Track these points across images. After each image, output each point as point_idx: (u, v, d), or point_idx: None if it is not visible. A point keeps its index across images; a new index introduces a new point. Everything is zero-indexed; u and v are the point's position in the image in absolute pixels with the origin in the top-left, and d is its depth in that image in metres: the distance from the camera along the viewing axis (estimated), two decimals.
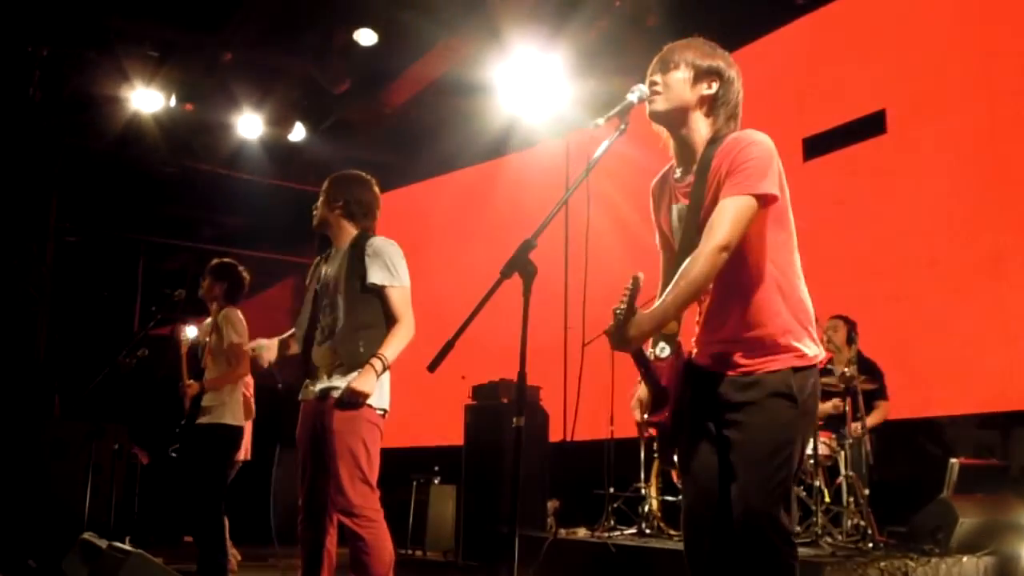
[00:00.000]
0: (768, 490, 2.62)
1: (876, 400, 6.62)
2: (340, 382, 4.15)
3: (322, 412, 4.20)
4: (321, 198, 4.44)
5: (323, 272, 4.44)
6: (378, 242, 4.31)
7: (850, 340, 6.64)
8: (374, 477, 4.18)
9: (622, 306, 2.50)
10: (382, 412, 4.25)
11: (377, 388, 4.15)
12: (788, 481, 2.68)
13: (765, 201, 2.66)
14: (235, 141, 10.74)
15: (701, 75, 2.82)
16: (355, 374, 4.11)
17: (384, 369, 4.14)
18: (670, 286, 2.63)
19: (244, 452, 6.75)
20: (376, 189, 4.56)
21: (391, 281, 4.23)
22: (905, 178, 7.19)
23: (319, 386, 4.26)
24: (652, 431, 2.93)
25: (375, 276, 4.21)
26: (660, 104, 2.82)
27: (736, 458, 2.68)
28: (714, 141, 2.80)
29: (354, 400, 4.08)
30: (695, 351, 2.90)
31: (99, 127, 10.35)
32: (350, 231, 4.41)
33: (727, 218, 2.61)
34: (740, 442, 2.68)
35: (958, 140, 6.91)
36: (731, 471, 2.69)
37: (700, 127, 2.84)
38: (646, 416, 2.85)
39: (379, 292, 4.22)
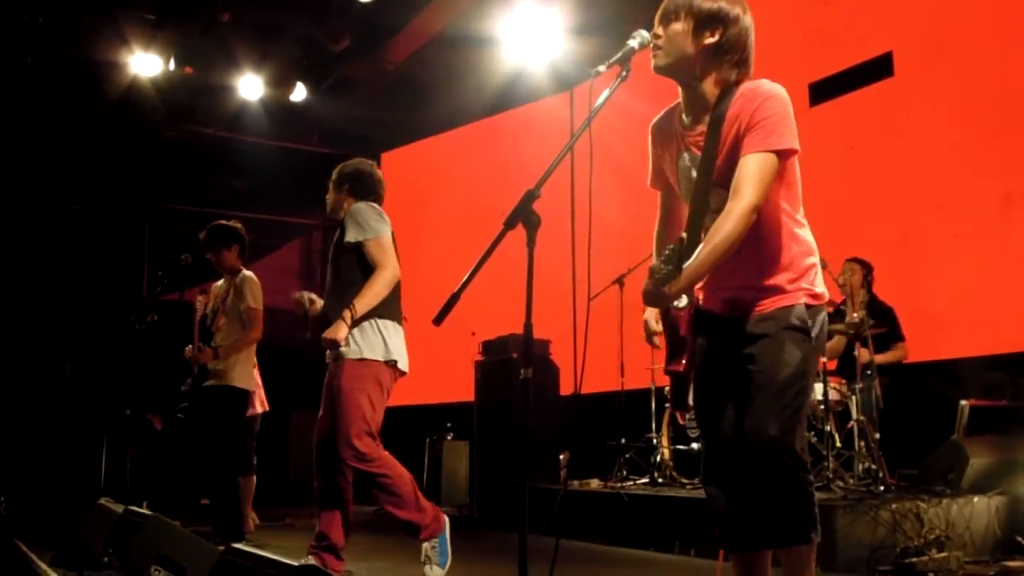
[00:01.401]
0: (784, 420, 2.64)
1: (892, 342, 6.62)
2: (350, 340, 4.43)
3: (331, 370, 4.54)
4: (331, 187, 4.80)
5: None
6: (354, 207, 4.60)
7: (866, 284, 6.64)
8: (376, 427, 4.46)
9: (664, 268, 2.46)
10: (389, 363, 4.49)
11: (377, 341, 4.45)
12: (802, 412, 2.70)
13: (787, 155, 2.68)
14: (236, 103, 10.65)
15: (703, 23, 2.74)
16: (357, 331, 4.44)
17: (352, 318, 4.37)
18: (704, 244, 2.63)
19: (261, 404, 6.79)
20: (378, 171, 4.90)
21: (363, 235, 4.48)
22: (913, 121, 7.13)
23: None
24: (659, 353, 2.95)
25: (349, 235, 4.49)
26: (661, 59, 2.78)
27: (752, 391, 2.69)
28: (727, 92, 2.76)
29: (327, 347, 4.42)
30: (703, 297, 2.91)
31: (99, 93, 10.29)
32: (344, 208, 4.72)
33: (755, 177, 2.62)
34: (756, 373, 2.70)
35: (966, 82, 6.83)
36: (747, 404, 2.70)
37: (709, 77, 2.79)
38: (665, 366, 2.86)
39: (356, 249, 4.50)
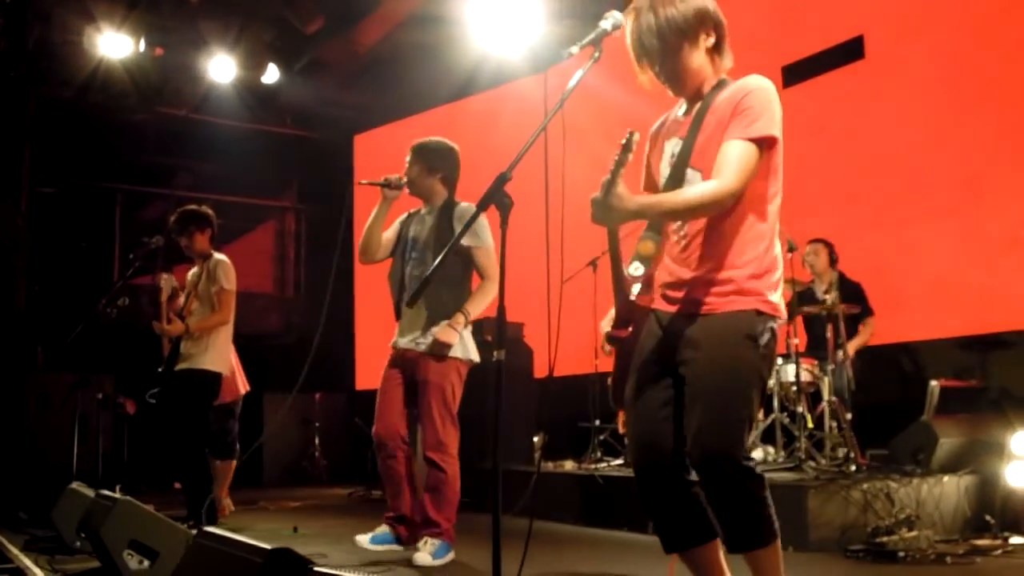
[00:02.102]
0: (726, 432, 2.58)
1: (861, 321, 6.67)
2: (431, 333, 4.63)
3: (415, 361, 4.68)
4: (418, 164, 4.81)
5: (413, 228, 4.86)
6: (464, 207, 4.72)
7: (831, 263, 6.69)
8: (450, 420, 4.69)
9: (613, 166, 2.48)
10: (468, 362, 4.74)
11: (470, 344, 4.71)
12: (746, 423, 2.63)
13: (769, 144, 2.66)
14: (207, 85, 10.55)
15: (694, 31, 2.73)
16: (442, 324, 4.60)
17: (467, 323, 4.63)
18: (671, 193, 2.64)
19: (244, 385, 6.76)
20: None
21: (476, 243, 4.63)
22: (883, 104, 7.17)
23: (409, 335, 4.71)
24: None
25: (466, 239, 4.52)
26: (676, 90, 2.81)
27: (695, 398, 2.63)
28: (719, 85, 2.77)
29: (439, 350, 4.57)
30: (659, 294, 2.84)
31: (67, 75, 10.15)
32: (442, 196, 4.83)
33: (736, 164, 2.60)
34: (699, 382, 2.64)
35: (936, 65, 6.87)
36: (687, 410, 2.65)
37: (705, 73, 2.79)
38: (609, 329, 2.83)
39: (466, 252, 4.64)
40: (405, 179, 4.76)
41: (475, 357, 4.78)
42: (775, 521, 2.65)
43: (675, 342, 2.72)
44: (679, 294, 2.76)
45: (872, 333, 6.72)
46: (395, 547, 4.69)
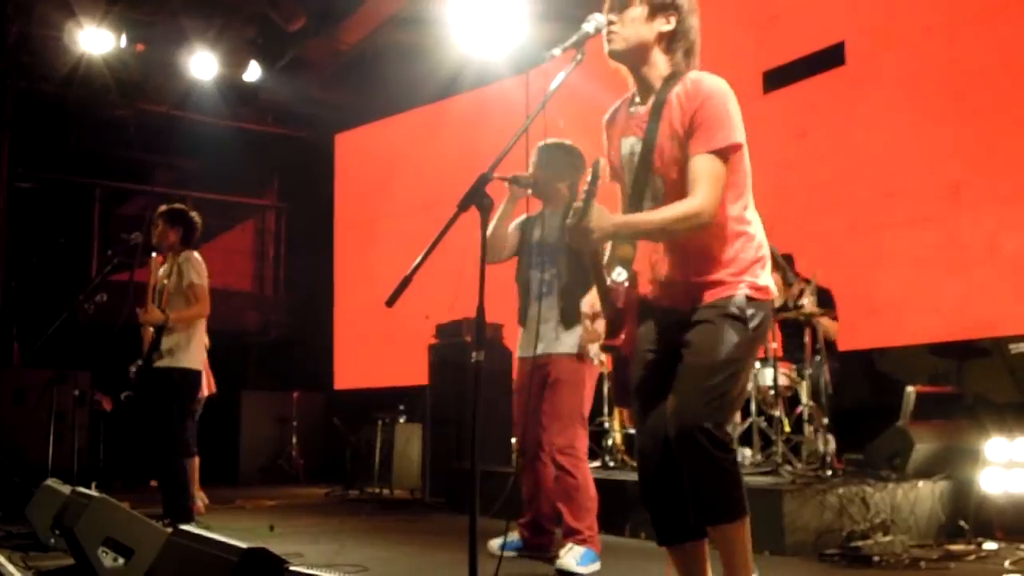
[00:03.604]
0: (704, 402, 2.62)
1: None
2: (564, 335, 4.55)
3: (547, 363, 4.58)
4: (550, 169, 4.63)
5: (537, 231, 4.73)
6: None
7: (788, 283, 6.61)
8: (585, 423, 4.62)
9: (582, 195, 2.52)
10: (599, 363, 4.66)
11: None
12: (728, 398, 2.68)
13: (734, 150, 2.69)
14: (188, 82, 10.50)
15: (657, 9, 2.78)
16: (579, 327, 4.52)
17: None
18: (649, 213, 2.68)
19: (208, 387, 6.73)
20: None
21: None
22: (864, 110, 7.21)
23: (544, 337, 4.58)
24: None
25: None
26: (618, 43, 2.80)
27: (679, 373, 2.69)
28: (672, 77, 2.79)
29: (584, 353, 4.50)
30: (650, 291, 2.91)
31: (47, 69, 10.08)
32: (565, 198, 4.65)
33: (707, 180, 2.64)
34: (685, 356, 2.70)
35: (917, 72, 6.91)
36: (673, 387, 2.70)
37: (659, 64, 2.82)
38: (602, 341, 2.85)
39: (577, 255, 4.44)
40: (533, 180, 4.59)
41: (603, 358, 4.70)
42: (745, 500, 2.68)
43: (672, 334, 2.77)
44: (670, 292, 2.83)
45: (829, 333, 6.65)
46: (514, 553, 4.70)
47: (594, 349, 4.55)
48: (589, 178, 2.54)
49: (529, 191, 4.55)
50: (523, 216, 4.82)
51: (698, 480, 2.64)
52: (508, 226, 4.62)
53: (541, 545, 4.81)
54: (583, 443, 4.58)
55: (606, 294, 2.78)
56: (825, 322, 6.58)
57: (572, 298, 4.56)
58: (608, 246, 2.78)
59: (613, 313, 2.80)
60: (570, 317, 4.56)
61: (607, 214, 2.58)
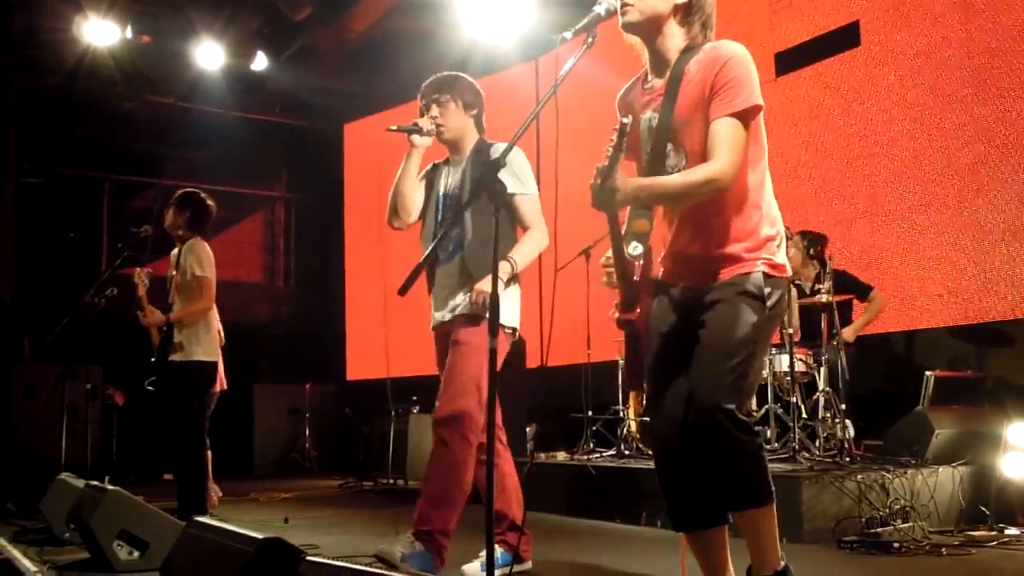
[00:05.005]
0: (725, 384, 2.59)
1: (863, 299, 6.60)
2: (468, 296, 3.94)
3: (451, 329, 4.00)
4: (452, 101, 4.07)
5: (442, 182, 4.17)
6: (501, 146, 3.82)
7: (810, 256, 6.59)
8: (484, 395, 3.83)
9: (606, 154, 2.50)
10: (510, 331, 4.01)
11: (506, 303, 3.70)
12: (748, 378, 2.66)
13: (754, 113, 2.67)
14: (195, 72, 10.46)
15: None
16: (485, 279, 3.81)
17: (513, 274, 3.91)
18: (670, 176, 2.66)
19: (220, 383, 6.70)
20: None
21: (521, 189, 3.98)
22: (879, 91, 7.12)
23: (449, 304, 4.02)
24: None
25: (507, 183, 3.90)
26: (633, 15, 2.77)
27: (697, 353, 2.66)
28: (688, 49, 2.76)
29: (477, 307, 3.85)
30: (664, 268, 2.88)
31: (52, 62, 10.06)
32: (473, 138, 4.14)
33: (728, 143, 2.61)
34: (703, 336, 2.67)
35: (932, 51, 6.82)
36: (692, 367, 2.67)
37: (675, 36, 2.80)
38: (618, 315, 2.80)
39: (508, 201, 3.96)
40: (436, 123, 4.04)
41: (516, 325, 4.05)
42: (771, 484, 2.65)
43: (688, 313, 2.75)
44: (685, 268, 2.80)
45: (881, 306, 6.62)
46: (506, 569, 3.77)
47: (504, 312, 3.75)
48: (616, 136, 2.51)
49: (430, 139, 4.02)
50: (429, 166, 4.26)
51: (722, 464, 2.61)
52: (411, 183, 4.08)
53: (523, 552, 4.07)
54: (473, 419, 3.84)
55: (624, 267, 2.72)
56: (877, 300, 6.53)
57: (480, 256, 3.91)
58: (625, 219, 2.73)
59: (629, 289, 2.74)
60: (480, 276, 3.89)
61: (626, 179, 2.56)
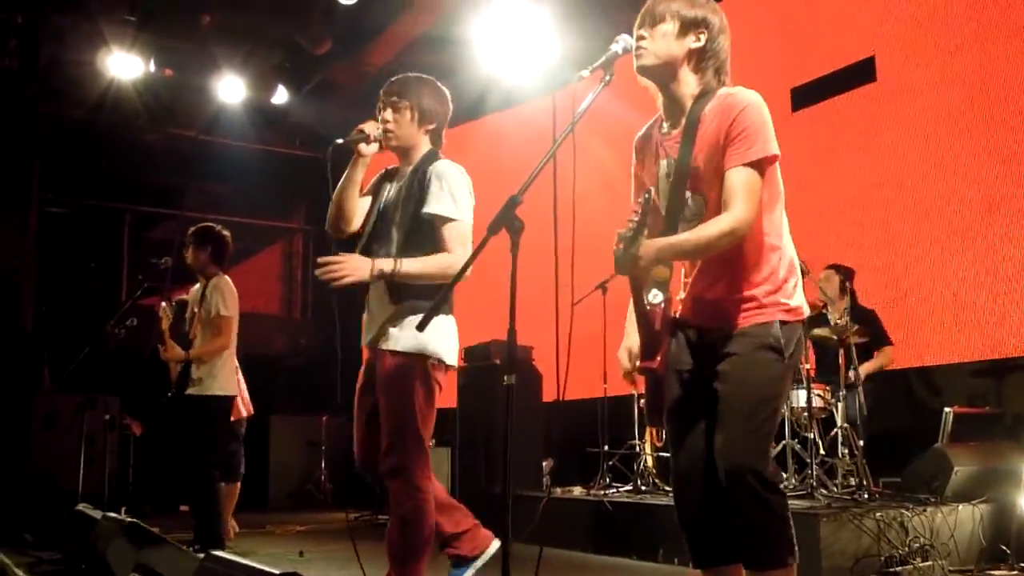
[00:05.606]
0: (753, 443, 2.63)
1: (877, 348, 6.59)
2: (393, 327, 3.61)
3: (375, 362, 3.70)
4: (399, 110, 3.77)
5: (387, 193, 3.83)
6: (443, 166, 3.67)
7: (843, 290, 6.60)
8: (427, 439, 3.66)
9: (631, 225, 2.54)
10: (437, 362, 3.63)
11: (438, 334, 3.58)
12: (772, 434, 2.71)
13: (770, 162, 2.70)
14: (217, 106, 10.60)
15: (687, 26, 2.79)
16: (414, 319, 3.47)
17: (392, 273, 3.51)
18: (688, 233, 2.68)
19: (246, 408, 6.70)
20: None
21: (451, 213, 3.60)
22: (896, 127, 7.12)
23: (376, 328, 3.70)
24: (640, 383, 2.90)
25: (432, 205, 3.59)
26: (647, 59, 2.80)
27: (722, 410, 2.68)
28: (703, 96, 2.78)
29: (324, 270, 3.52)
30: (681, 308, 2.91)
31: (77, 94, 10.20)
32: (424, 149, 3.80)
33: (743, 192, 2.64)
34: (726, 394, 2.69)
35: (950, 87, 6.83)
36: (716, 423, 2.69)
37: (689, 82, 2.83)
38: (638, 363, 2.82)
39: (429, 223, 3.61)
40: (385, 128, 3.74)
41: (447, 359, 3.67)
42: (795, 545, 2.67)
43: (706, 358, 2.77)
44: (705, 311, 2.82)
45: (889, 362, 6.64)
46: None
47: (438, 345, 3.61)
48: (640, 208, 2.56)
49: (376, 147, 3.72)
50: (383, 171, 3.95)
51: (748, 524, 2.64)
52: (352, 192, 3.76)
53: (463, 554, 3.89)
54: (417, 465, 3.60)
55: (645, 317, 2.74)
56: (884, 355, 6.53)
57: (405, 281, 3.57)
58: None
59: (650, 337, 2.77)
60: (407, 299, 3.59)
61: (650, 242, 2.60)
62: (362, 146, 3.68)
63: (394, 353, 3.58)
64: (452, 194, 3.62)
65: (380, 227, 3.76)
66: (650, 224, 2.69)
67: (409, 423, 3.56)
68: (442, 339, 3.63)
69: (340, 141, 3.73)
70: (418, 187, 3.64)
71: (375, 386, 3.67)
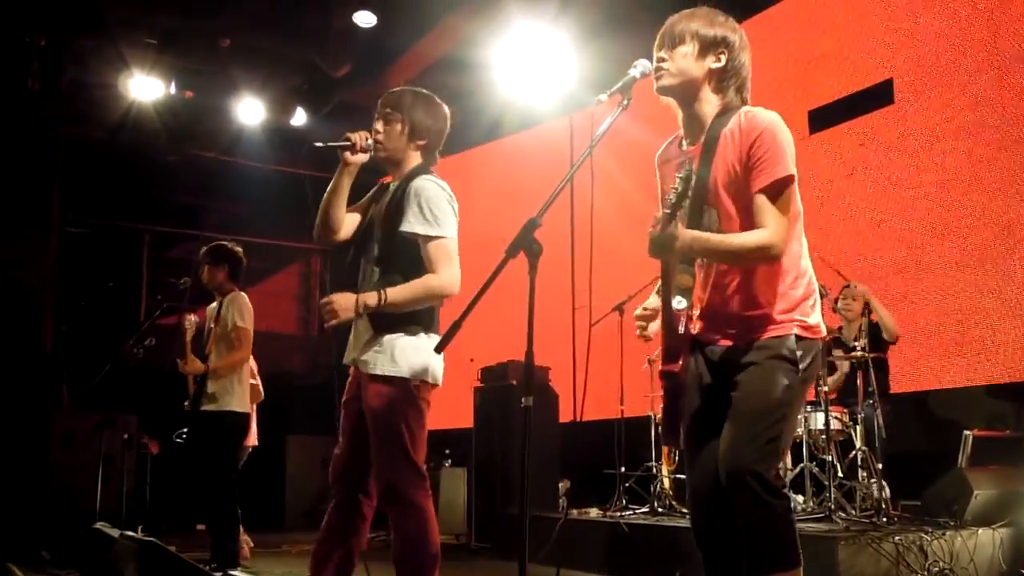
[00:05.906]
0: (756, 447, 2.62)
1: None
2: (374, 349, 3.50)
3: (360, 381, 3.60)
4: (391, 122, 3.68)
5: (375, 206, 3.74)
6: (421, 182, 3.55)
7: (863, 312, 6.57)
8: (420, 458, 3.57)
9: (669, 200, 2.58)
10: (418, 384, 3.51)
11: (417, 354, 3.49)
12: (779, 442, 2.68)
13: (789, 182, 2.70)
14: (236, 127, 10.69)
15: (707, 47, 2.81)
16: (400, 339, 3.48)
17: (375, 306, 3.38)
18: (725, 236, 2.70)
19: (252, 438, 6.73)
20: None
21: (429, 231, 3.48)
22: (914, 149, 7.11)
23: (359, 348, 3.58)
24: (656, 340, 2.89)
25: (411, 223, 3.49)
26: (667, 80, 2.83)
27: (730, 415, 2.69)
28: (724, 113, 2.80)
29: (327, 317, 3.41)
30: (700, 326, 2.90)
31: (99, 116, 10.31)
32: (414, 163, 3.70)
33: (774, 214, 2.66)
34: (736, 400, 2.70)
35: (966, 108, 6.82)
36: (724, 429, 2.70)
37: (710, 100, 2.85)
38: (660, 367, 2.83)
39: (411, 241, 3.50)
40: (374, 139, 3.65)
41: (429, 378, 3.56)
42: (799, 548, 2.65)
43: (724, 372, 2.78)
44: (721, 327, 2.82)
45: (892, 322, 6.49)
46: None
47: (418, 365, 3.50)
48: (678, 188, 2.59)
49: (364, 156, 3.62)
50: (379, 184, 3.86)
51: (749, 526, 2.62)
52: (337, 201, 3.64)
53: None
54: (413, 485, 3.52)
55: (670, 318, 2.76)
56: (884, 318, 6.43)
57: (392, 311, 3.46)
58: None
59: (672, 340, 2.78)
60: (386, 323, 3.48)
61: (686, 230, 2.63)
62: (347, 155, 3.59)
63: (374, 378, 3.50)
64: (430, 210, 3.51)
65: (366, 240, 3.70)
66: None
67: (398, 447, 3.49)
68: (421, 359, 3.53)
69: (319, 144, 3.68)
70: (396, 205, 3.56)
71: (361, 400, 3.59)
